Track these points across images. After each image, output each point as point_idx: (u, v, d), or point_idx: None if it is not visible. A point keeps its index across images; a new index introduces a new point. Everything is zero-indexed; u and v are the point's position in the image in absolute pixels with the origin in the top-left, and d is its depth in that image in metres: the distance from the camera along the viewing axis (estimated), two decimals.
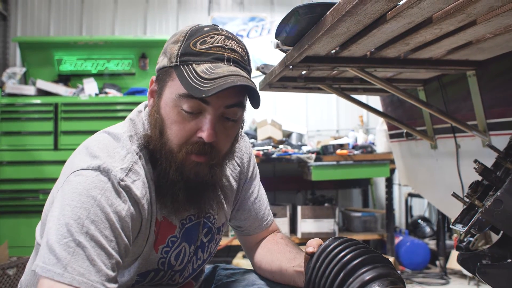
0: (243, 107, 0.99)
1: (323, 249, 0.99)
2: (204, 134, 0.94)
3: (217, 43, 0.95)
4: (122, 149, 0.96)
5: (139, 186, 0.94)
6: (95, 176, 0.89)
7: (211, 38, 0.96)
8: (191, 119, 0.95)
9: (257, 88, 0.96)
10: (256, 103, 0.96)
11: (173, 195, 0.98)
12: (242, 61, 0.98)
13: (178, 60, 0.95)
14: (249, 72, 1.01)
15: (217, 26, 1.01)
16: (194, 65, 0.94)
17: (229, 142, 1.02)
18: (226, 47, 0.96)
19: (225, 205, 1.20)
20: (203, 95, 0.88)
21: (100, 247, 0.84)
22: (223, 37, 0.97)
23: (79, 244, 0.82)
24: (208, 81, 0.90)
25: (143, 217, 0.96)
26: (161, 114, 0.97)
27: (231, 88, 0.89)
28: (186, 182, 0.97)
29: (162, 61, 1.00)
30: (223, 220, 1.22)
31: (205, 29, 0.98)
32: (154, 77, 1.03)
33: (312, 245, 1.03)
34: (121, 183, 0.90)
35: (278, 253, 1.20)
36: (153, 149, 0.98)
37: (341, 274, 0.92)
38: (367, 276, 0.90)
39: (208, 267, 1.35)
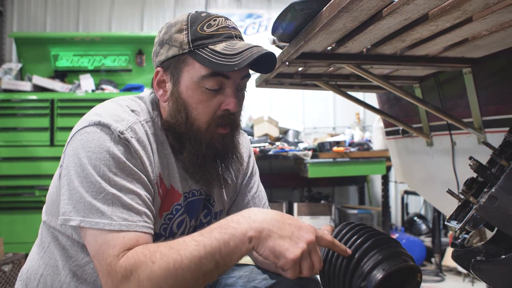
0: (250, 77, 1.10)
1: (337, 232, 1.03)
2: (230, 106, 1.04)
3: (221, 24, 1.05)
4: (123, 113, 1.03)
5: (136, 143, 1.00)
6: (99, 131, 0.97)
7: (214, 21, 1.05)
8: (215, 96, 1.04)
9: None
10: (272, 68, 1.09)
11: (206, 167, 1.07)
12: (241, 35, 1.09)
13: (191, 46, 1.02)
14: None
15: (203, 11, 1.09)
16: (210, 46, 1.02)
17: (241, 110, 1.13)
18: (229, 26, 1.06)
19: (224, 194, 1.24)
20: (236, 68, 0.98)
21: (129, 192, 0.95)
22: (223, 18, 1.07)
23: (113, 196, 0.93)
24: (234, 56, 0.99)
25: (148, 172, 1.02)
26: (182, 98, 1.05)
27: (257, 58, 0.99)
28: (215, 154, 1.08)
29: (168, 51, 1.06)
30: (220, 206, 1.24)
31: (202, 14, 1.06)
32: (159, 69, 1.09)
33: (326, 230, 1.07)
34: (121, 135, 0.97)
35: None
36: (180, 133, 1.06)
37: (357, 254, 0.95)
38: (380, 255, 0.93)
39: None
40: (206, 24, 1.04)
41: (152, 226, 0.97)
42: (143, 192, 0.97)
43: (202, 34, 1.02)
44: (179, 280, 0.85)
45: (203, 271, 0.86)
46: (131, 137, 0.99)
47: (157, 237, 1.06)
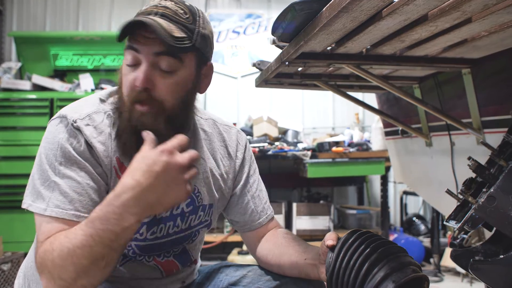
0: (176, 58, 1.04)
1: (344, 241, 1.03)
2: (136, 80, 1.03)
3: (154, 3, 1.05)
4: (87, 104, 1.10)
5: (90, 129, 1.05)
6: (57, 124, 1.06)
7: (153, 1, 1.06)
8: (133, 71, 1.05)
9: (160, 27, 0.99)
10: (161, 39, 0.99)
11: (131, 144, 1.05)
12: (173, 15, 1.03)
13: None
14: (184, 27, 1.04)
15: None
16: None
17: (171, 93, 1.06)
18: (159, 5, 1.05)
19: (213, 187, 1.23)
20: (117, 37, 1.01)
21: (71, 180, 1.00)
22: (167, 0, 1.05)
23: (55, 183, 1.00)
24: (123, 27, 1.00)
25: (99, 158, 1.05)
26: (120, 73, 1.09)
27: (141, 30, 1.00)
28: (138, 132, 1.02)
29: None
30: (208, 199, 1.24)
31: None
32: None
33: (332, 238, 1.07)
34: (74, 124, 1.04)
35: (286, 247, 1.22)
36: (120, 109, 1.08)
37: (365, 265, 0.96)
38: (390, 266, 0.94)
39: (211, 265, 1.36)
40: (147, 4, 1.07)
41: (83, 214, 0.98)
42: (84, 181, 1.01)
43: (136, 12, 1.07)
44: (78, 266, 0.89)
45: (100, 254, 0.89)
46: (86, 124, 1.04)
47: None
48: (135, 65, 1.04)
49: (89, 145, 1.04)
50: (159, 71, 1.04)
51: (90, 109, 1.08)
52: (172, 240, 1.19)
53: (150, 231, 1.14)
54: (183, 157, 0.91)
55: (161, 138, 1.02)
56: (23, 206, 1.03)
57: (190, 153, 0.92)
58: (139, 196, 0.89)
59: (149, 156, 0.91)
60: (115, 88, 1.15)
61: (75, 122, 1.04)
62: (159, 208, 0.92)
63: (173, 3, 1.06)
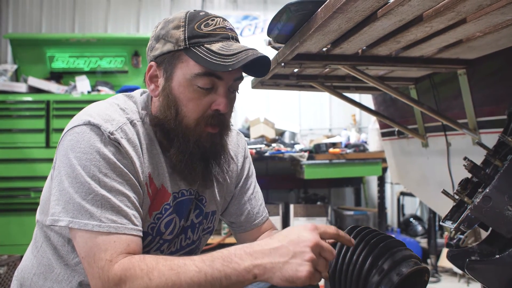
0: (242, 79, 1.11)
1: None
2: (220, 106, 1.04)
3: (219, 24, 1.05)
4: (114, 112, 1.03)
5: (126, 143, 1.01)
6: (89, 131, 0.98)
7: (212, 20, 1.05)
8: (206, 95, 1.04)
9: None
10: (266, 71, 1.10)
11: (192, 165, 1.07)
12: (238, 37, 1.11)
13: (187, 43, 1.02)
14: None
15: (202, 10, 1.09)
16: (206, 45, 1.02)
17: (232, 111, 1.13)
18: (227, 27, 1.06)
19: (217, 194, 1.24)
20: (230, 69, 0.98)
21: (119, 193, 0.96)
22: (221, 19, 1.07)
23: (102, 197, 0.94)
24: (229, 57, 0.99)
25: (138, 173, 1.02)
26: (174, 94, 1.05)
27: (251, 60, 1.00)
28: (202, 153, 1.07)
29: (163, 47, 1.06)
30: (213, 207, 1.24)
31: (201, 13, 1.06)
32: (153, 63, 1.09)
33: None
34: (111, 136, 0.98)
35: None
36: (168, 129, 1.06)
37: (370, 258, 0.99)
38: (395, 258, 0.97)
39: None
40: (204, 23, 1.04)
41: (140, 228, 0.98)
42: (132, 194, 0.98)
43: (199, 32, 1.03)
44: None
45: None
46: (121, 137, 1.00)
47: (144, 236, 1.06)
48: (209, 88, 1.04)
49: (130, 159, 1.00)
50: (230, 93, 1.09)
51: (119, 119, 1.03)
52: (185, 253, 1.20)
53: (168, 247, 1.15)
54: (326, 251, 0.90)
55: (218, 152, 1.11)
56: (60, 224, 0.94)
57: (332, 252, 0.91)
58: (269, 254, 0.88)
59: (306, 235, 0.91)
60: (135, 98, 1.14)
61: (112, 134, 0.98)
62: (276, 275, 0.87)
63: (229, 23, 1.09)
